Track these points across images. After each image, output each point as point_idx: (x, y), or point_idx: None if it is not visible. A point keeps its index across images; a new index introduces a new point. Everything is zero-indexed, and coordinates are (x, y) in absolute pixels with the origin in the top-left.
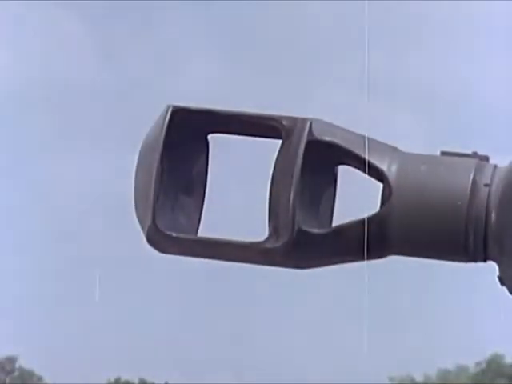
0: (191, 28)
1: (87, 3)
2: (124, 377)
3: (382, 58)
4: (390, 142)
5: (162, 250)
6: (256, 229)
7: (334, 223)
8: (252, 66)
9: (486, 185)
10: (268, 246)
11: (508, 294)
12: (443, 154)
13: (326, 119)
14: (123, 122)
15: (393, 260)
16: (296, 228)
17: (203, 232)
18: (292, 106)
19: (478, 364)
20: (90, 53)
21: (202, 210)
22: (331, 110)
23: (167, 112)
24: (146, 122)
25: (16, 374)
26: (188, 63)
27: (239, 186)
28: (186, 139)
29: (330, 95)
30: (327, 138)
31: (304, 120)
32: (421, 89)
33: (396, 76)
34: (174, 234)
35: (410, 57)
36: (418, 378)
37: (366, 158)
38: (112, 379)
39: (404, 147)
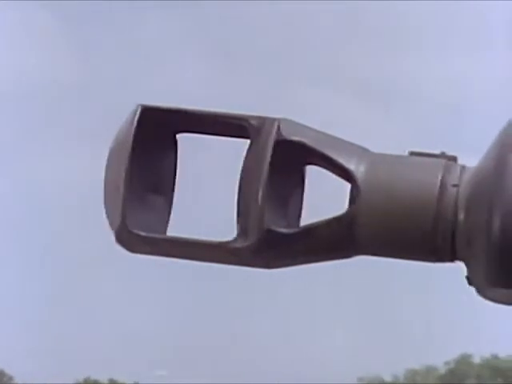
0: (168, 28)
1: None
2: (93, 376)
3: (356, 58)
4: (359, 142)
5: (132, 250)
6: (227, 228)
7: (303, 223)
8: (227, 65)
9: (454, 185)
10: (237, 245)
11: (476, 294)
12: (412, 154)
13: (297, 119)
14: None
15: (361, 260)
16: (265, 228)
17: (173, 232)
18: (265, 106)
19: (446, 364)
20: (65, 51)
21: (171, 209)
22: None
23: (136, 111)
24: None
25: None
26: (165, 62)
27: (210, 185)
28: (155, 138)
29: (302, 95)
30: (295, 138)
31: (272, 120)
32: (393, 88)
33: (369, 76)
34: (143, 234)
35: (384, 56)
36: (387, 378)
37: (334, 157)
38: (81, 379)
39: (373, 147)
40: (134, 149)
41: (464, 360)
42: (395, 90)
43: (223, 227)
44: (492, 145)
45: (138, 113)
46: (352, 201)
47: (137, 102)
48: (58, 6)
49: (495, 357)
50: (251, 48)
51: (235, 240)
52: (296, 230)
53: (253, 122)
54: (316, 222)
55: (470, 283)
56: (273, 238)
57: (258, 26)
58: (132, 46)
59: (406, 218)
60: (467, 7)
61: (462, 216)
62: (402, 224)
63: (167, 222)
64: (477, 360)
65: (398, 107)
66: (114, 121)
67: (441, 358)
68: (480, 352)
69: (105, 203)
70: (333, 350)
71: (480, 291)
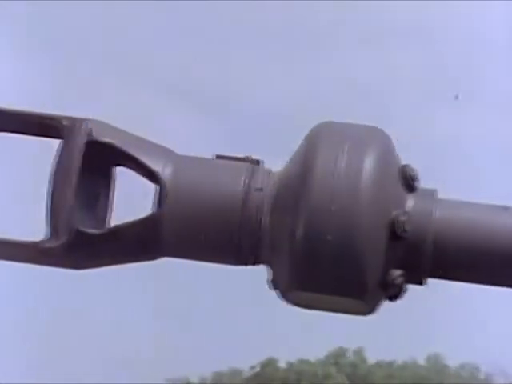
0: None
1: None
2: None
3: (168, 58)
4: (167, 144)
5: None
6: (40, 229)
7: (113, 224)
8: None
9: (258, 189)
10: (47, 245)
11: (280, 298)
12: (218, 157)
13: (110, 120)
14: None
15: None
16: (74, 228)
17: None
18: (77, 106)
19: (252, 368)
20: None
21: None
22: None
23: None
24: None
25: None
26: None
27: (22, 184)
28: None
29: (115, 95)
30: (105, 139)
31: (83, 120)
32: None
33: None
34: None
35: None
36: (194, 379)
37: (141, 159)
38: None
39: (182, 149)
40: None
41: (270, 364)
42: (209, 91)
43: (33, 228)
44: (297, 150)
45: None
46: (158, 203)
47: None
48: None
49: (301, 361)
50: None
51: (46, 240)
52: (104, 231)
53: (64, 122)
54: (122, 224)
55: (274, 287)
56: (82, 239)
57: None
58: None
59: (211, 221)
60: None
61: (266, 220)
62: (206, 227)
63: None
64: (282, 364)
65: (212, 109)
66: None
67: (248, 361)
68: (286, 356)
69: None
70: (141, 350)
71: (284, 295)
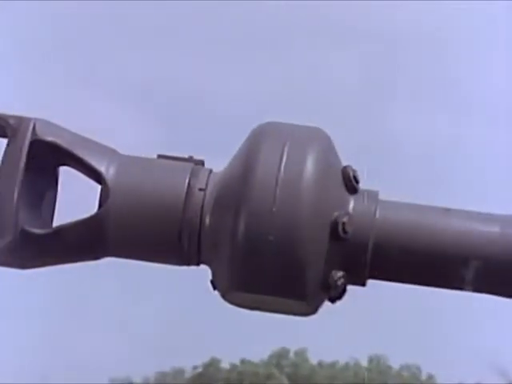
0: None
1: None
2: None
3: (114, 57)
4: (111, 144)
5: None
6: None
7: (57, 223)
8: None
9: (200, 189)
10: None
11: (222, 298)
12: (160, 157)
13: (55, 120)
14: None
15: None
16: (19, 228)
17: None
18: (21, 106)
19: (194, 368)
20: None
21: None
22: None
23: None
24: None
25: None
26: None
27: None
28: None
29: (60, 96)
30: (50, 139)
31: (29, 119)
32: (150, 90)
33: (124, 76)
34: None
35: (144, 55)
36: (137, 379)
37: (85, 159)
38: None
39: (127, 149)
40: None
41: (212, 364)
42: (154, 92)
43: None
44: (238, 150)
45: None
46: (102, 203)
47: None
48: None
49: (243, 361)
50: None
51: None
52: (48, 230)
53: (11, 121)
54: (66, 224)
55: (215, 288)
56: (27, 239)
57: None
58: None
59: (154, 221)
60: None
61: (207, 220)
62: (149, 227)
63: None
64: (225, 365)
65: (153, 108)
66: None
67: (191, 361)
68: (228, 357)
69: None
70: (85, 351)
71: (224, 296)
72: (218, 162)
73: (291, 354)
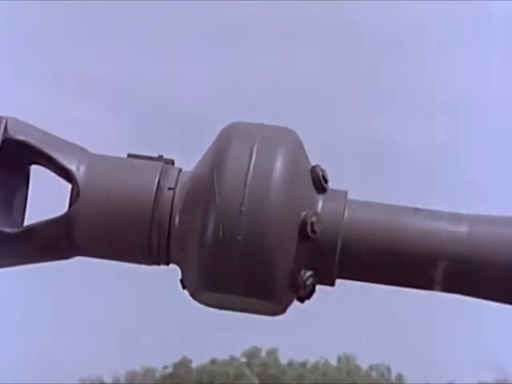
0: None
1: None
2: None
3: (80, 56)
4: (82, 143)
5: None
6: None
7: (28, 223)
8: None
9: (170, 188)
10: None
11: (190, 297)
12: (130, 156)
13: (24, 119)
14: None
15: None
16: None
17: None
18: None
19: (165, 367)
20: None
21: None
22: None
23: None
24: None
25: None
26: None
27: None
28: None
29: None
30: (21, 137)
31: (0, 118)
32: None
33: (93, 75)
34: None
35: (111, 53)
36: (107, 379)
37: (56, 158)
38: None
39: (97, 148)
40: None
41: (183, 364)
42: (124, 91)
43: None
44: (208, 150)
45: None
46: (72, 202)
47: None
48: None
49: (213, 362)
50: None
51: None
52: (18, 229)
53: None
54: (38, 222)
55: (184, 287)
56: None
57: None
58: None
59: (124, 220)
60: None
61: (177, 219)
62: (119, 226)
63: None
64: (195, 364)
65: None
66: None
67: (162, 361)
68: (199, 358)
69: None
70: (55, 351)
71: (193, 295)
72: (189, 161)
73: (263, 353)
